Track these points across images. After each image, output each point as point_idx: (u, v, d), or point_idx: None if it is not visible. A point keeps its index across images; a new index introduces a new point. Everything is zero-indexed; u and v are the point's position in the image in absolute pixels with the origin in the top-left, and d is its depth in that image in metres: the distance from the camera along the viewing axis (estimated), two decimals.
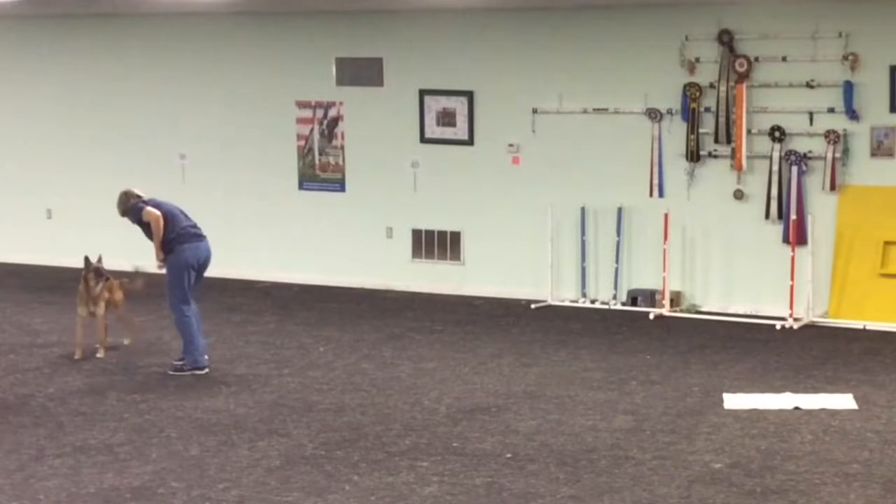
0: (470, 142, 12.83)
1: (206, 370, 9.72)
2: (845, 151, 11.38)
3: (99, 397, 9.05)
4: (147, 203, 9.82)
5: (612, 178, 12.26)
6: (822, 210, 11.52)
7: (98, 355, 10.19)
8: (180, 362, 9.75)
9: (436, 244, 13.09)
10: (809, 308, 11.39)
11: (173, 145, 14.10)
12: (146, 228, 9.82)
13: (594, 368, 9.81)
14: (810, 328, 11.23)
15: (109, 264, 10.62)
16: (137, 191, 9.95)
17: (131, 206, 9.83)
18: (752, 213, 11.79)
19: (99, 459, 7.61)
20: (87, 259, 10.28)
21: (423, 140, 13.00)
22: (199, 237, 9.89)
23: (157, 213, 9.72)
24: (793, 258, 11.38)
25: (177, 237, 9.76)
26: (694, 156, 11.88)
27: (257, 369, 9.86)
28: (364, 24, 13.09)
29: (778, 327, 11.21)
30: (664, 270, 11.86)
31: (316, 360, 10.19)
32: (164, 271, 9.86)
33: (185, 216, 9.95)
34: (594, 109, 12.26)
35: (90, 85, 14.45)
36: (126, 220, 9.95)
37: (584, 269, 12.45)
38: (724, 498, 6.85)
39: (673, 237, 11.92)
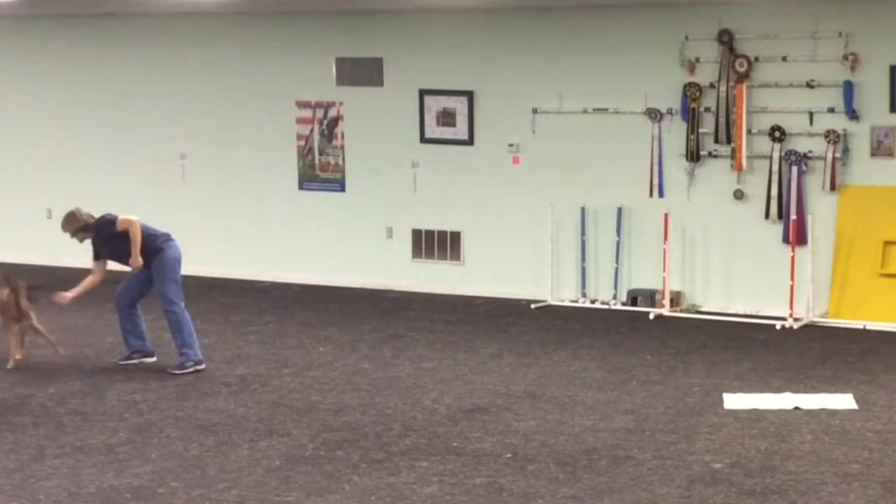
0: (470, 142, 12.83)
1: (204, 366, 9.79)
2: (845, 151, 11.38)
3: (99, 397, 9.05)
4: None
5: (612, 178, 12.26)
6: (822, 210, 11.52)
7: (62, 352, 10.05)
8: (181, 359, 9.73)
9: (436, 244, 13.09)
10: (809, 308, 11.39)
11: (173, 145, 14.11)
12: (114, 243, 9.80)
13: (594, 368, 9.81)
14: (810, 328, 11.23)
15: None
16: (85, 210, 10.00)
17: (102, 221, 9.85)
18: (752, 213, 11.78)
19: (99, 459, 7.61)
20: (8, 277, 10.03)
21: (423, 140, 13.00)
22: (172, 238, 10.03)
23: (134, 217, 9.82)
24: (793, 258, 11.38)
25: (158, 237, 9.88)
26: (694, 156, 11.88)
27: (257, 369, 9.86)
28: (364, 24, 13.09)
29: (778, 327, 11.21)
30: (664, 270, 11.86)
31: (316, 360, 10.19)
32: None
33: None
34: (594, 109, 12.26)
35: (90, 85, 14.45)
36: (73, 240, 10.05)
37: (584, 269, 12.45)
38: (724, 498, 6.86)
39: (673, 237, 11.92)
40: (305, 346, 10.66)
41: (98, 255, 10.02)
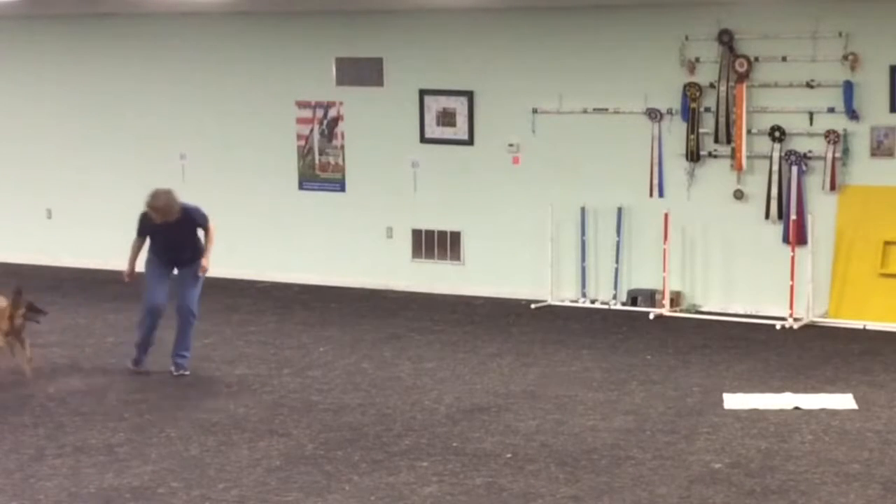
0: (470, 142, 12.83)
1: None
2: (845, 151, 11.38)
3: (99, 397, 9.05)
4: None
5: (612, 178, 12.26)
6: (822, 210, 11.52)
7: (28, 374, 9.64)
8: (182, 361, 9.69)
9: (436, 244, 13.09)
10: (809, 308, 11.39)
11: (173, 145, 14.10)
12: (192, 236, 9.64)
13: (594, 368, 9.81)
14: (810, 328, 11.23)
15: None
16: None
17: (200, 212, 9.68)
18: (752, 213, 11.79)
19: (99, 459, 7.61)
20: (19, 291, 9.69)
21: (423, 140, 13.00)
22: None
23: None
24: (793, 258, 11.38)
25: None
26: (694, 156, 11.88)
27: (257, 369, 9.86)
28: (364, 24, 13.09)
29: (778, 327, 11.21)
30: (664, 270, 11.86)
31: (316, 360, 10.19)
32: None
33: None
34: (594, 109, 12.27)
35: (90, 85, 14.45)
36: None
37: (584, 269, 12.45)
38: (724, 498, 6.86)
39: (673, 237, 11.92)
40: (305, 346, 10.66)
41: (154, 239, 9.66)
